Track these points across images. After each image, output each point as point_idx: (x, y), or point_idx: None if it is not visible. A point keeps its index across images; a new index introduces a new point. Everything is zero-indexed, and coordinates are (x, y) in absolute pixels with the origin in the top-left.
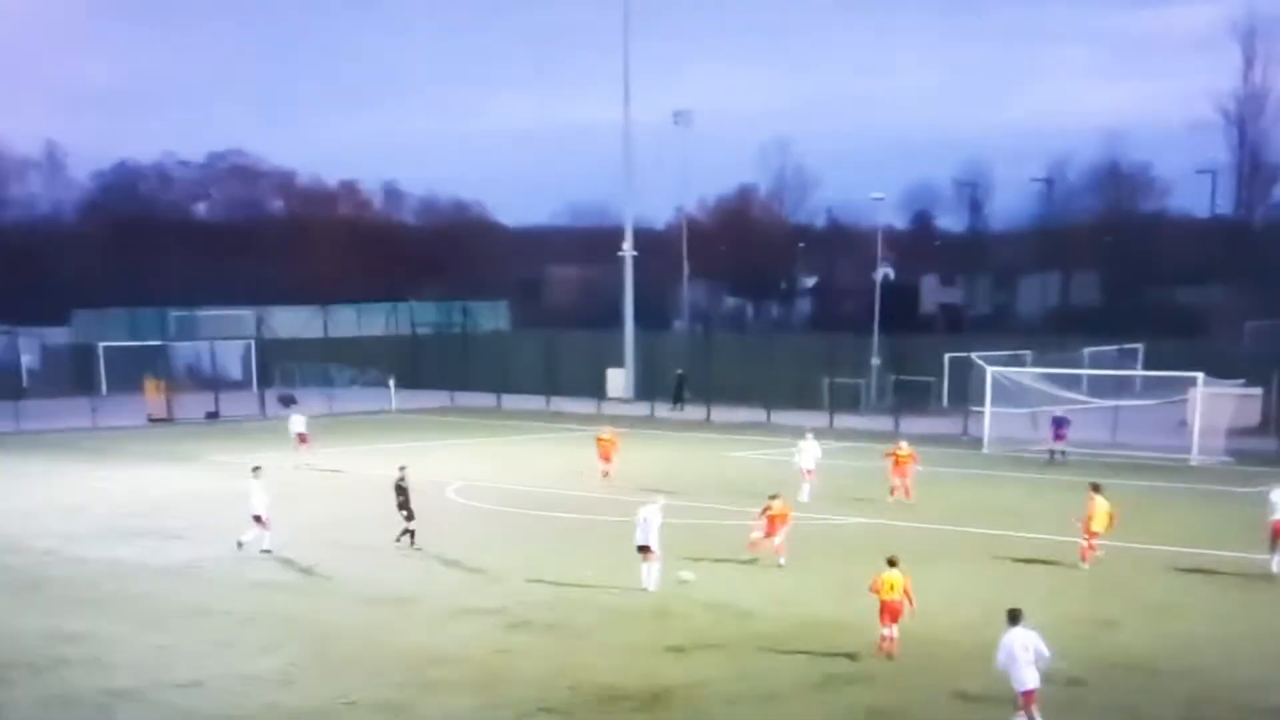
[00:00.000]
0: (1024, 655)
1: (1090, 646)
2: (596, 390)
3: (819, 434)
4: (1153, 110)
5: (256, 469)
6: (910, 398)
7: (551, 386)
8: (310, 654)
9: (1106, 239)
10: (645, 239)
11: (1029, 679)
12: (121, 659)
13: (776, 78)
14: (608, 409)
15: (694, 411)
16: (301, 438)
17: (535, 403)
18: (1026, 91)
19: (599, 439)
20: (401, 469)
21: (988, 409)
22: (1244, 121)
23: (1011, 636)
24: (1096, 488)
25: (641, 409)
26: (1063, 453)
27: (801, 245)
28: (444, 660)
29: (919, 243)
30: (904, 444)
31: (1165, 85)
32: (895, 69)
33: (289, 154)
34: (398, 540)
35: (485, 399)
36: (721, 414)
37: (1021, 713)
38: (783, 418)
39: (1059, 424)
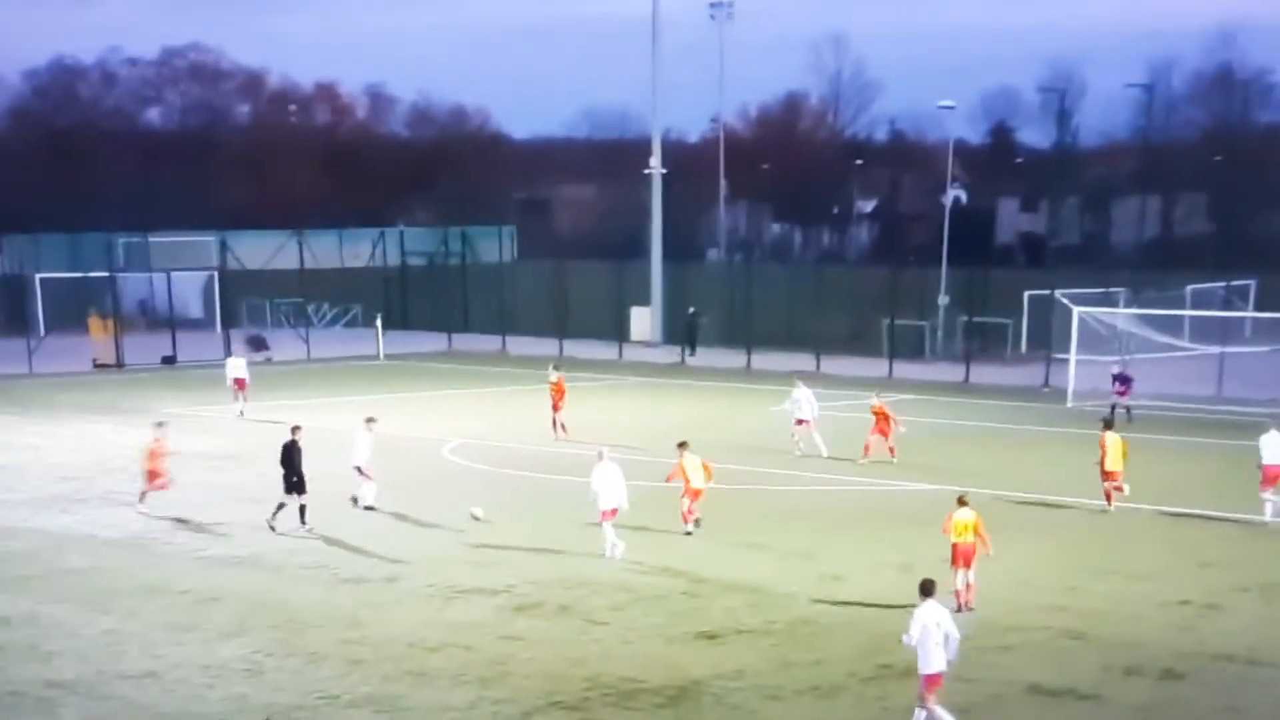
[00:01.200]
0: (936, 633)
1: (1188, 634)
2: (618, 332)
3: (879, 385)
4: (1273, 3)
5: (371, 420)
6: (984, 343)
7: (565, 328)
8: (280, 640)
9: (1216, 157)
10: (676, 154)
11: (936, 660)
12: (64, 645)
13: None
14: (631, 354)
15: (729, 358)
16: (239, 383)
17: (546, 347)
18: None
19: (551, 384)
20: (294, 430)
21: (1073, 356)
22: None
23: (925, 612)
24: (1108, 424)
25: (670, 355)
26: (1126, 410)
27: (859, 163)
28: (439, 648)
29: (996, 160)
30: (875, 398)
31: None
32: None
33: (256, 50)
34: (273, 518)
35: (488, 342)
36: (763, 360)
37: (925, 703)
38: (835, 365)
39: (1122, 380)
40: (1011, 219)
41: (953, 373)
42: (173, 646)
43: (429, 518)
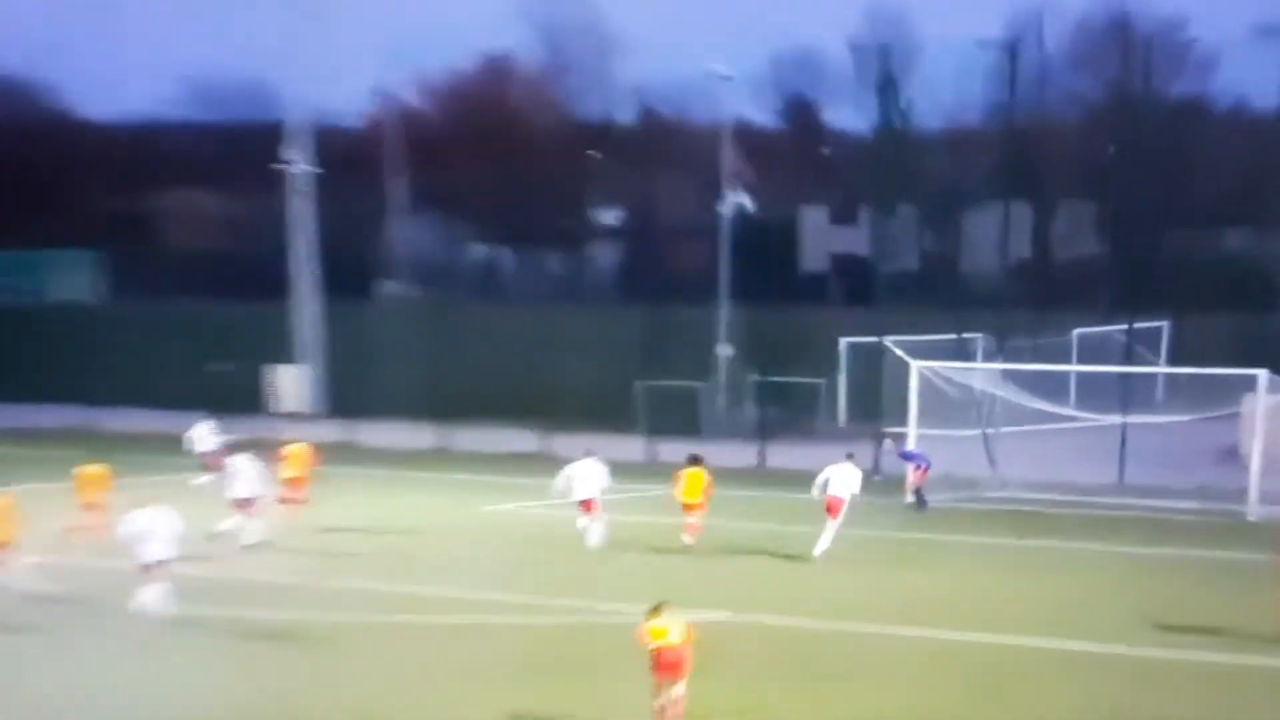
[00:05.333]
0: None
1: None
2: (254, 400)
3: (627, 471)
4: None
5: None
6: (786, 411)
7: (183, 396)
8: None
9: (1110, 147)
10: (331, 145)
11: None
12: None
13: None
14: (273, 429)
15: (414, 435)
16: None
17: (154, 421)
18: None
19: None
20: None
21: (913, 430)
22: None
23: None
24: (694, 460)
25: (331, 429)
26: (918, 495)
27: (596, 155)
28: None
29: (796, 152)
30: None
31: None
32: None
33: None
34: None
35: (70, 416)
36: (467, 438)
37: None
38: (571, 445)
39: (912, 459)
40: (820, 235)
41: (741, 455)
42: None
43: None
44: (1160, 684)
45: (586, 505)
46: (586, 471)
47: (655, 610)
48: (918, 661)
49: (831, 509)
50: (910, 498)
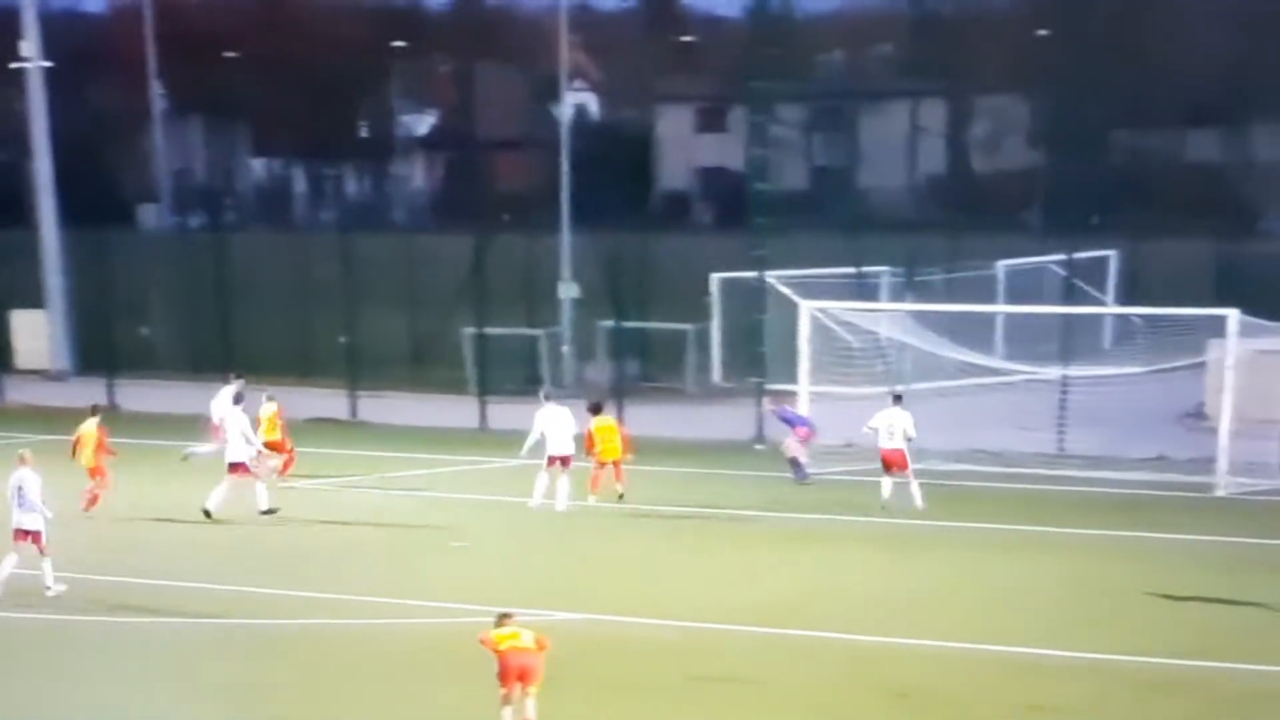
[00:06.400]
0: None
1: None
2: None
3: (454, 439)
4: None
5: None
6: (647, 365)
7: None
8: None
9: (1040, 31)
10: (71, 33)
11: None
12: None
13: None
14: (20, 393)
15: (197, 396)
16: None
17: None
18: None
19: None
20: None
21: (805, 387)
22: None
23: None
24: (597, 408)
25: (81, 391)
26: (797, 465)
27: (399, 45)
28: None
29: (652, 41)
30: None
31: None
32: None
33: None
34: None
35: None
36: (252, 399)
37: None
38: (381, 409)
39: (792, 423)
40: (683, 145)
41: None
42: None
43: None
44: (1087, 685)
45: (564, 461)
46: (558, 420)
47: (501, 620)
48: (817, 672)
49: (892, 463)
50: (799, 472)
